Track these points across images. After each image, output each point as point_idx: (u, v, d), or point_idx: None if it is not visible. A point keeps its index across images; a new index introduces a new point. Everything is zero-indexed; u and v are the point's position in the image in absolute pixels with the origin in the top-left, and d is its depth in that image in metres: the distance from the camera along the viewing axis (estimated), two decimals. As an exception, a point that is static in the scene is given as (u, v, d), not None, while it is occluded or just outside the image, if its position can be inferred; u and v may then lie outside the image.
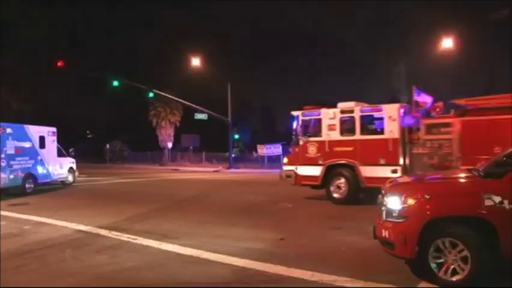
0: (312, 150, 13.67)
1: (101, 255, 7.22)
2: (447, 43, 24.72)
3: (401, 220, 5.45)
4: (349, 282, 5.54)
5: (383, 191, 6.14)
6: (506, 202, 4.95)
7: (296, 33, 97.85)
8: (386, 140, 12.32)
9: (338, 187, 13.18)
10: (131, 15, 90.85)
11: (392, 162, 12.20)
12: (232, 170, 34.53)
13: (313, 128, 13.96)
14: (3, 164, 15.78)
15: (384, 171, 12.10)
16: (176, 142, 49.10)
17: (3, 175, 15.70)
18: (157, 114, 47.63)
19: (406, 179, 7.60)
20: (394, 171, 12.07)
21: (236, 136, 48.76)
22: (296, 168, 14.01)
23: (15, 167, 16.43)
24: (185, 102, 38.00)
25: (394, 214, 5.54)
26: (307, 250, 7.34)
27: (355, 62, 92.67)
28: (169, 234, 8.70)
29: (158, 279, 5.91)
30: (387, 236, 5.61)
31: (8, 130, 16.33)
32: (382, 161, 12.35)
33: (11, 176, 16.16)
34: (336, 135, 13.23)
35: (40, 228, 9.74)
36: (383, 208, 5.78)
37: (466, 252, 5.07)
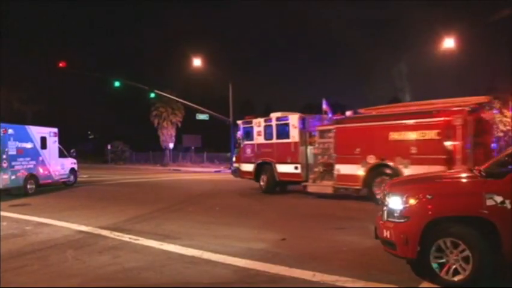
0: (248, 151, 17.27)
1: (103, 255, 7.22)
2: (449, 43, 24.66)
3: (402, 220, 5.44)
4: (350, 282, 5.53)
5: (384, 191, 6.13)
6: (507, 202, 4.94)
7: (298, 32, 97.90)
8: (289, 143, 15.52)
9: (263, 180, 16.63)
10: (133, 16, 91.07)
11: (294, 160, 15.37)
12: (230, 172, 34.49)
13: (250, 133, 17.22)
14: (4, 165, 15.80)
15: (290, 168, 15.49)
16: (177, 142, 49.14)
17: (5, 176, 15.73)
18: (158, 114, 47.67)
19: (408, 179, 7.59)
20: (296, 168, 15.30)
21: (238, 136, 48.64)
22: (240, 165, 17.81)
23: (16, 167, 16.45)
24: (187, 102, 38.00)
25: (395, 214, 5.53)
26: (309, 250, 7.33)
27: (357, 61, 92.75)
28: (171, 235, 8.72)
29: (160, 279, 5.91)
30: (388, 236, 5.60)
31: (10, 131, 16.36)
32: (289, 160, 15.54)
33: (13, 177, 16.18)
34: (261, 140, 16.68)
35: (41, 229, 9.75)
36: (385, 208, 5.78)
37: (467, 252, 5.06)
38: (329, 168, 14.30)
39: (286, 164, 15.59)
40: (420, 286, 5.39)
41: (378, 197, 11.71)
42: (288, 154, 15.51)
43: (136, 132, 56.54)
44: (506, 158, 5.80)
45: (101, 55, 76.12)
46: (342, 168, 13.63)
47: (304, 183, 15.14)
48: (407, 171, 11.77)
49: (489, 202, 5.00)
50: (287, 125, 15.69)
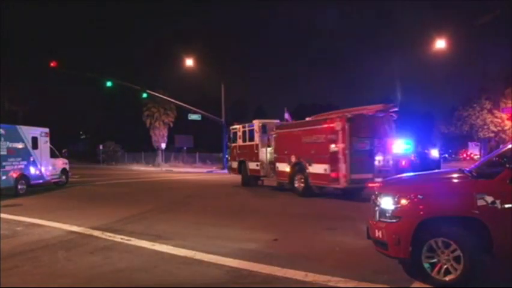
0: (234, 152, 20.85)
1: (95, 256, 7.18)
2: (440, 44, 24.80)
3: (394, 220, 5.46)
4: (343, 282, 5.54)
5: (376, 191, 6.15)
6: (498, 202, 4.97)
7: (291, 33, 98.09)
8: (253, 145, 18.89)
9: (242, 174, 20.05)
10: (126, 15, 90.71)
11: (256, 159, 18.63)
12: (226, 170, 34.44)
13: (235, 137, 20.59)
14: (-5, 165, 15.67)
15: (254, 165, 18.81)
16: (170, 143, 49.00)
17: (-5, 176, 15.59)
18: (150, 114, 47.52)
19: (399, 179, 7.62)
20: (257, 165, 18.54)
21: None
22: (231, 163, 21.61)
23: (7, 168, 16.32)
24: (178, 102, 37.91)
25: (387, 214, 5.54)
26: (301, 250, 7.34)
27: (350, 62, 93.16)
28: (163, 235, 8.68)
29: (152, 280, 5.89)
30: (380, 236, 5.62)
31: (1, 131, 16.22)
32: (254, 159, 18.83)
33: (3, 177, 16.05)
34: (241, 142, 20.01)
35: (33, 229, 9.67)
36: (377, 208, 5.79)
37: (458, 252, 5.09)
38: (274, 166, 17.30)
39: (252, 162, 18.95)
40: (412, 286, 5.41)
41: (296, 185, 15.56)
42: (253, 154, 18.80)
43: (128, 132, 56.32)
44: (496, 158, 5.84)
45: (94, 55, 75.72)
46: (280, 166, 16.80)
47: (262, 178, 18.70)
48: (311, 168, 14.66)
49: (480, 202, 5.04)
50: (253, 130, 18.92)
